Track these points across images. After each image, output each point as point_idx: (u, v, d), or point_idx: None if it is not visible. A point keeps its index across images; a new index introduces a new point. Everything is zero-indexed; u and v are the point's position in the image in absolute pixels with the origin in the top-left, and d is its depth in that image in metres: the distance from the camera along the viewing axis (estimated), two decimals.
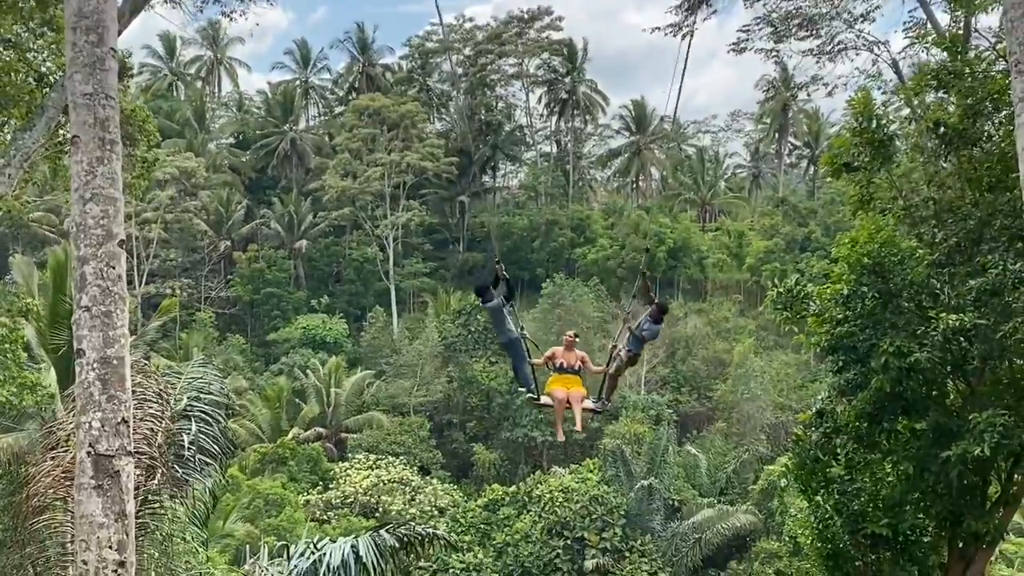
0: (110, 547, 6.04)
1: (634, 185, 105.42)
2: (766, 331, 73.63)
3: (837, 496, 16.10)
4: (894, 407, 15.15)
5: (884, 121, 15.94)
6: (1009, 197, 14.24)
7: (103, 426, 6.20)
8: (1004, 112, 14.79)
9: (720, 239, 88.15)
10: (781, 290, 16.54)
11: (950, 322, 13.64)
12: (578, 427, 14.94)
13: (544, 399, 14.87)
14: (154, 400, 13.02)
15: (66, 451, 11.89)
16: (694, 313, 75.23)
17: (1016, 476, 15.62)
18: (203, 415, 13.82)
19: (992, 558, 22.31)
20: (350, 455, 58.14)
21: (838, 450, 16.04)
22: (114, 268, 6.52)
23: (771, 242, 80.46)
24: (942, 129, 15.58)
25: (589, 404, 15.00)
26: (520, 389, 15.57)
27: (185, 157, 77.53)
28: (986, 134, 15.51)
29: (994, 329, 13.68)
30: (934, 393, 15.37)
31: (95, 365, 6.31)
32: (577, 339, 15.56)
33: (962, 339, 14.38)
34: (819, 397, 17.08)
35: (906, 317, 14.38)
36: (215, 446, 13.89)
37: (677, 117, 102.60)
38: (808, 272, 17.32)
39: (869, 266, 14.47)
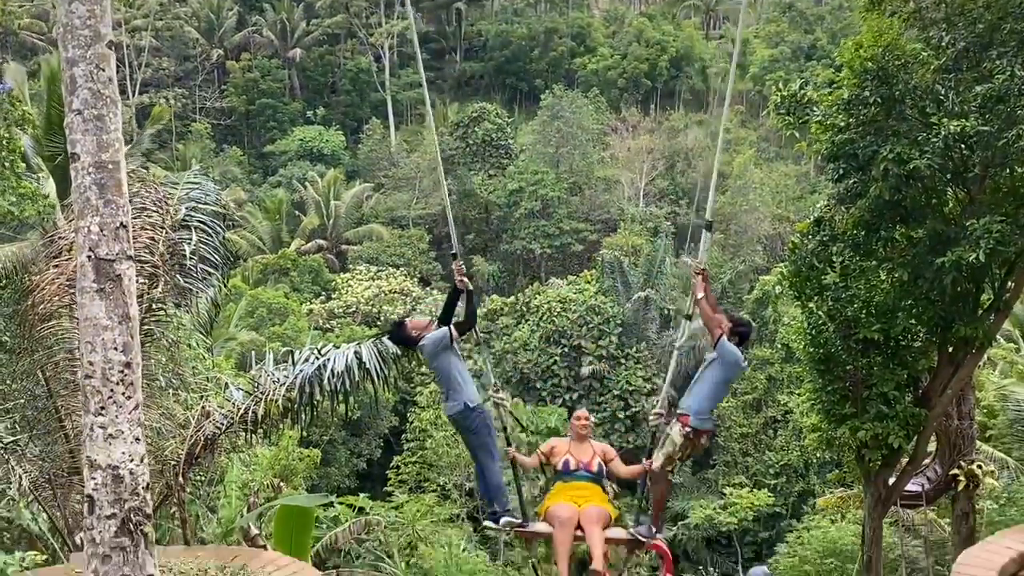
0: (115, 349, 6.14)
1: None
2: (767, 142, 73.11)
3: (831, 303, 16.31)
4: (892, 215, 15.15)
5: None
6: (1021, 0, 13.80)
7: (102, 230, 6.19)
8: None
9: (724, 47, 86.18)
10: (785, 95, 16.23)
11: (952, 128, 13.45)
12: (597, 566, 8.42)
13: (538, 525, 9.16)
14: (154, 209, 13.01)
15: (69, 259, 11.96)
16: (695, 124, 74.41)
17: (1009, 283, 15.78)
18: (202, 225, 13.81)
19: (980, 363, 22.88)
20: (351, 266, 58.73)
21: (834, 258, 16.14)
22: (104, 70, 6.36)
23: (776, 50, 78.70)
24: None
25: (620, 533, 9.33)
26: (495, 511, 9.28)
27: None
28: None
29: (997, 136, 13.51)
30: (933, 201, 15.35)
31: (90, 169, 6.25)
32: (592, 423, 9.77)
33: (963, 146, 14.24)
34: (818, 206, 17.06)
35: (908, 123, 14.18)
36: (216, 256, 13.94)
37: None
38: (813, 81, 16.89)
39: (872, 70, 14.15)
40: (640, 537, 9.22)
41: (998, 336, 23.40)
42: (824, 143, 15.27)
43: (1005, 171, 14.45)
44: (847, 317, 16.21)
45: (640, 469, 9.45)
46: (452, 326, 9.16)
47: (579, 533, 8.73)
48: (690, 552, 43.19)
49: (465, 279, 9.17)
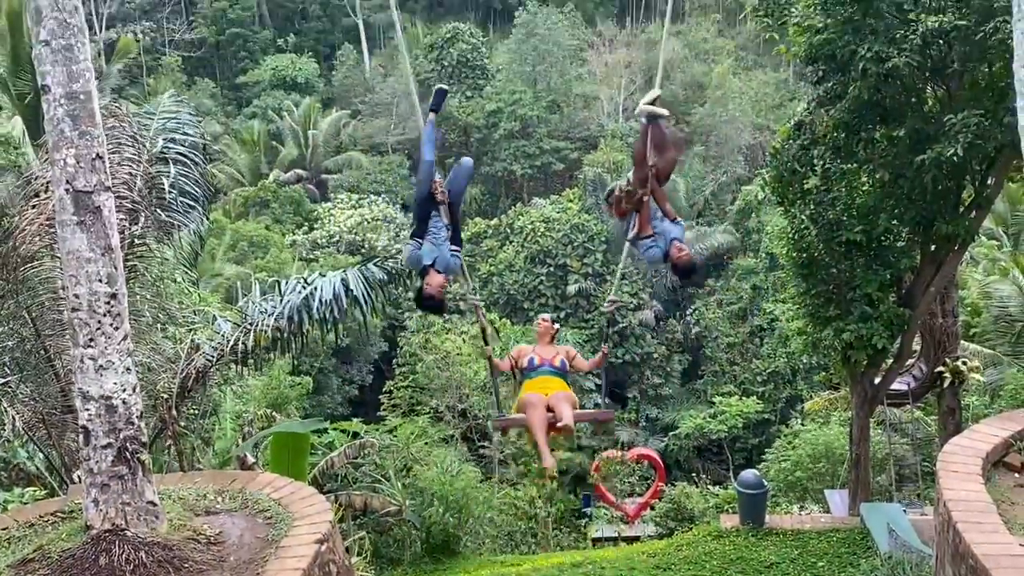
0: (100, 280, 6.13)
1: None
2: (745, 51, 72.39)
3: (813, 207, 16.40)
4: (872, 115, 15.15)
5: None
6: None
7: (78, 162, 6.14)
8: None
9: None
10: None
11: (929, 24, 13.39)
12: (568, 425, 9.75)
13: (512, 413, 10.31)
14: (129, 144, 12.85)
15: (46, 200, 11.85)
16: (672, 36, 73.51)
17: (989, 179, 15.85)
18: (181, 157, 13.67)
19: (963, 261, 23.06)
20: (332, 196, 58.37)
21: (815, 161, 16.18)
22: None
23: None
24: None
25: (584, 411, 10.89)
26: None
27: None
28: None
29: (974, 30, 13.45)
30: (912, 99, 15.34)
31: (62, 101, 6.17)
32: (557, 327, 10.98)
33: (941, 42, 14.18)
34: (798, 110, 17.03)
35: (886, 21, 14.09)
36: (196, 189, 13.83)
37: None
38: None
39: None
40: (599, 416, 11.12)
41: (980, 234, 23.55)
42: (802, 45, 15.19)
43: (983, 66, 14.42)
44: (829, 220, 16.31)
45: (599, 359, 10.68)
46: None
47: (551, 413, 9.78)
48: (681, 461, 43.90)
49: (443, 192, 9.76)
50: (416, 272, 9.72)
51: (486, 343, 10.42)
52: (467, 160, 10.58)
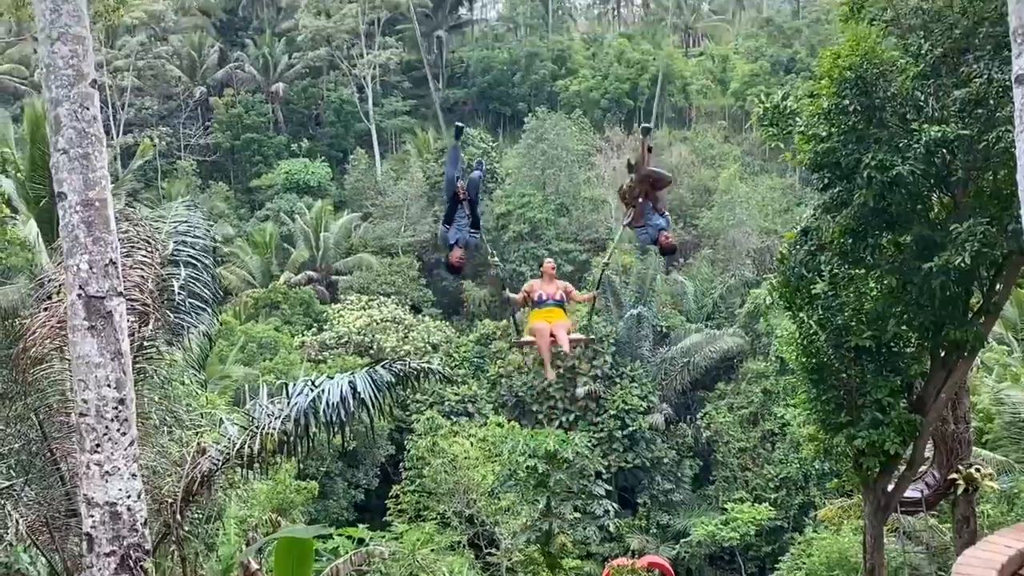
0: (108, 385, 6.14)
1: (615, 12, 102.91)
2: (751, 156, 73.41)
3: (821, 312, 16.40)
4: (878, 221, 15.27)
5: None
6: (996, 3, 13.94)
7: (91, 268, 6.21)
8: None
9: (704, 64, 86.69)
10: (768, 106, 16.37)
11: (933, 133, 13.58)
12: (565, 349, 13.51)
13: (526, 336, 13.73)
14: (142, 247, 12.97)
15: (59, 302, 11.92)
16: (679, 142, 74.71)
17: (997, 285, 15.87)
18: (191, 260, 13.78)
19: (973, 366, 22.93)
20: (342, 297, 58.63)
21: (822, 266, 16.24)
22: (88, 109, 6.40)
23: (755, 65, 79.18)
24: None
25: (577, 335, 14.45)
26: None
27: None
28: None
29: (977, 139, 13.65)
30: (918, 206, 15.47)
31: (78, 208, 6.28)
32: (555, 270, 14.02)
33: (945, 151, 14.37)
34: (804, 216, 17.16)
35: (889, 131, 14.31)
36: (206, 291, 13.91)
37: None
38: (794, 94, 17.05)
39: (851, 79, 14.29)
40: (583, 339, 15.78)
41: (990, 339, 23.48)
42: (807, 153, 15.40)
43: (987, 174, 14.58)
44: (838, 325, 16.29)
45: (591, 295, 14.88)
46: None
47: (553, 340, 12.98)
48: (693, 570, 43.08)
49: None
50: (445, 248, 12.91)
51: (503, 288, 14.21)
52: (476, 173, 13.40)
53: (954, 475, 18.96)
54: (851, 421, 16.36)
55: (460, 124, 13.16)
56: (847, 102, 14.36)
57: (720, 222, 61.94)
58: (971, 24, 14.43)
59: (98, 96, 6.51)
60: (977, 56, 14.28)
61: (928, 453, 19.25)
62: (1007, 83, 13.68)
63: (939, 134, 13.52)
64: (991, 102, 13.85)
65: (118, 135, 70.49)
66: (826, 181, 15.69)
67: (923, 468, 19.30)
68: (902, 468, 17.62)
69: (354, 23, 77.37)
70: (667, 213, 13.02)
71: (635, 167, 12.76)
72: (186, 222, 13.91)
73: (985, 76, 13.76)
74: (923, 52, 14.76)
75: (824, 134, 14.83)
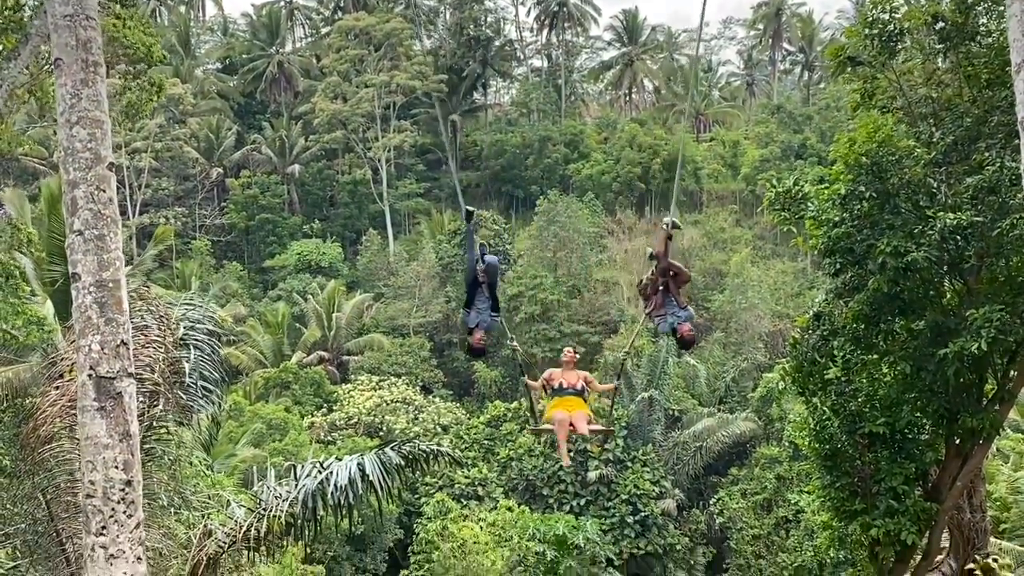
0: (116, 467, 6.09)
1: (627, 98, 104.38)
2: (763, 240, 73.70)
3: (835, 397, 16.25)
4: (891, 307, 15.21)
5: (896, 14, 15.64)
6: (1006, 93, 14.08)
7: (103, 348, 6.21)
8: (1002, 6, 14.55)
9: (715, 149, 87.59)
10: (779, 191, 16.44)
11: (947, 221, 13.61)
12: (583, 432, 13.67)
13: (544, 424, 13.80)
14: (155, 326, 13.03)
15: (70, 381, 11.93)
16: (690, 225, 75.12)
17: (1012, 372, 15.74)
18: (200, 343, 13.84)
19: (989, 454, 22.63)
20: (352, 377, 58.56)
21: (835, 352, 16.14)
22: (104, 191, 6.47)
23: (766, 150, 79.95)
24: (940, 24, 15.35)
25: (597, 426, 14.77)
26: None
27: (172, 83, 76.49)
28: (984, 28, 15.27)
29: (991, 227, 13.66)
30: (931, 293, 15.43)
31: (91, 289, 6.30)
32: (575, 357, 14.08)
33: (959, 237, 14.37)
34: (816, 300, 17.13)
35: (903, 217, 14.34)
36: (215, 373, 13.94)
37: (669, 28, 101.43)
38: (804, 179, 17.13)
39: (867, 166, 14.37)
40: (604, 428, 16.28)
41: (1006, 426, 23.21)
42: (820, 238, 15.42)
43: (1001, 261, 14.56)
44: (851, 411, 16.13)
45: (612, 386, 14.95)
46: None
47: (572, 429, 13.19)
48: None
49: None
50: (465, 331, 13.26)
51: (522, 374, 14.35)
52: (492, 258, 13.28)
53: (971, 565, 18.56)
54: (866, 509, 16.09)
55: (471, 208, 13.11)
56: (862, 188, 14.43)
57: (732, 305, 61.93)
58: (981, 113, 14.56)
59: (115, 178, 6.59)
60: (989, 144, 14.38)
61: (944, 543, 18.88)
62: (1019, 171, 13.78)
63: (955, 221, 13.55)
64: (1003, 189, 13.90)
65: (134, 215, 71.25)
66: (838, 266, 15.68)
67: (939, 558, 18.91)
68: (918, 558, 17.27)
69: (370, 107, 78.59)
70: (689, 307, 13.38)
71: (657, 258, 13.04)
72: (195, 308, 14.01)
73: (997, 164, 13.83)
74: (935, 140, 14.88)
75: (837, 219, 14.87)
